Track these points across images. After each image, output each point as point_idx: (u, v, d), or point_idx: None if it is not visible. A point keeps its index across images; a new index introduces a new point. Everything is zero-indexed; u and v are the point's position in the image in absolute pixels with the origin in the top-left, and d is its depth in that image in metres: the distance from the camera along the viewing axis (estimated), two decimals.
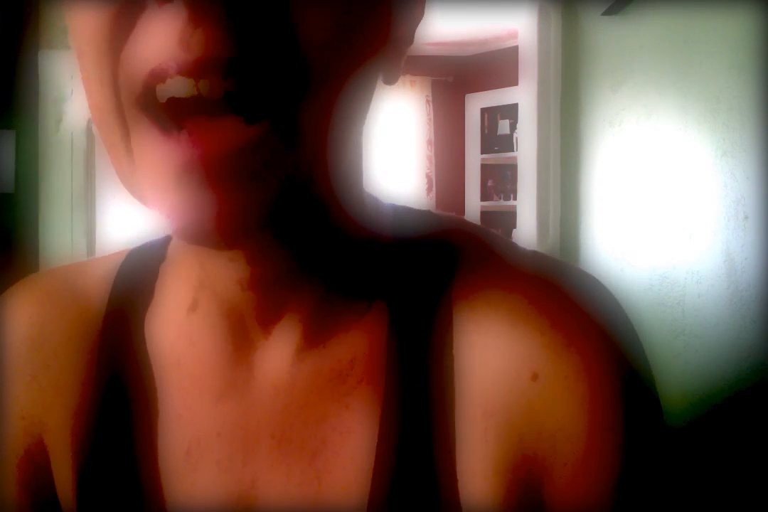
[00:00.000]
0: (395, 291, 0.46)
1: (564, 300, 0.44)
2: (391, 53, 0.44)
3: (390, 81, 0.45)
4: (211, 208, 0.36)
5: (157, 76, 0.35)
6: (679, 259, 2.04)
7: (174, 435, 0.48)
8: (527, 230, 2.37)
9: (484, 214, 5.21)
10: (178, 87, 0.35)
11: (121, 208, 2.90)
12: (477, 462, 0.43)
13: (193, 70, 0.34)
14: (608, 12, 2.15)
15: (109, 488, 0.48)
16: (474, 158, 5.35)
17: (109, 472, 0.48)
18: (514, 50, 2.66)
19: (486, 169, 5.31)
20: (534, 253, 0.48)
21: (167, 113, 0.36)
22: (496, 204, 5.26)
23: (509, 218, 4.48)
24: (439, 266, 0.47)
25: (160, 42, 0.34)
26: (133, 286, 0.52)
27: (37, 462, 0.52)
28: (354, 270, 0.47)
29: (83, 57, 0.38)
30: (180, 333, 0.49)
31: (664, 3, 2.04)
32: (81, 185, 2.90)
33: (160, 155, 0.36)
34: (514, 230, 2.65)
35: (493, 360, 0.43)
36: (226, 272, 0.45)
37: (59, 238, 2.90)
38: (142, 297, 0.51)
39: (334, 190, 0.43)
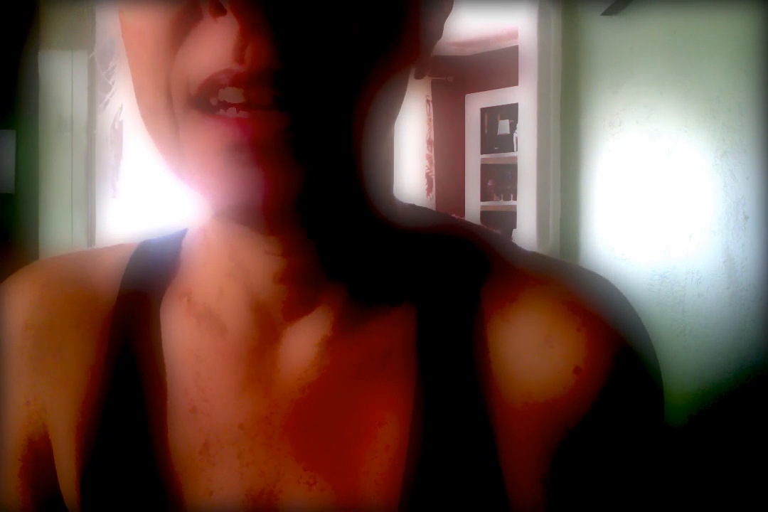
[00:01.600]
0: (423, 287, 0.47)
1: (586, 298, 0.46)
2: (422, 48, 0.45)
3: (420, 75, 0.46)
4: (257, 184, 0.38)
5: (211, 86, 0.37)
6: (679, 259, 2.04)
7: (189, 429, 0.47)
8: (527, 230, 2.37)
9: (484, 214, 5.20)
10: (230, 95, 0.37)
11: (121, 209, 2.90)
12: (519, 452, 0.44)
13: (245, 81, 0.37)
14: (608, 12, 2.15)
15: (117, 482, 0.47)
16: (474, 158, 5.35)
17: (117, 465, 0.47)
18: (514, 50, 2.66)
19: (486, 169, 5.31)
20: (535, 253, 0.51)
21: (218, 111, 0.38)
22: (496, 204, 5.25)
23: (509, 218, 4.47)
24: (463, 264, 0.48)
25: (215, 53, 0.37)
26: (147, 275, 0.51)
27: (39, 451, 0.50)
28: (383, 265, 0.48)
29: (138, 60, 0.40)
30: (200, 324, 0.48)
31: (664, 3, 2.04)
32: (81, 185, 2.90)
33: (210, 137, 0.38)
34: (514, 230, 2.65)
35: (529, 355, 0.45)
36: (261, 265, 0.45)
37: (59, 239, 2.90)
38: (156, 286, 0.51)
39: (370, 184, 0.44)
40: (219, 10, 0.36)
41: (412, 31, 0.42)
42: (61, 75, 2.82)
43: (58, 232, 2.92)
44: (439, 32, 0.47)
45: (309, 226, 0.44)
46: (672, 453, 0.48)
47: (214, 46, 0.37)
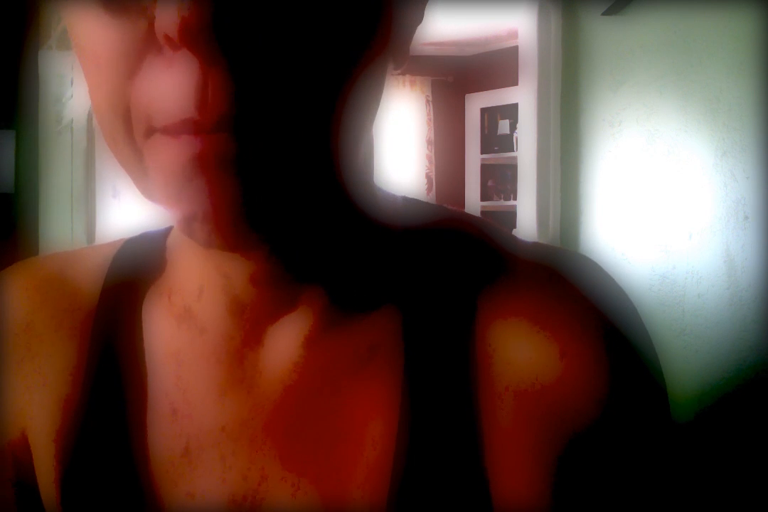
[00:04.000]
0: (409, 281, 0.46)
1: (576, 284, 0.45)
2: (399, 36, 0.43)
3: (398, 65, 0.45)
4: (220, 201, 0.36)
5: (170, 132, 0.36)
6: (679, 259, 2.04)
7: (170, 431, 0.46)
8: (527, 230, 2.37)
9: (484, 214, 5.20)
10: (190, 141, 0.36)
11: (121, 208, 2.90)
12: (509, 441, 0.43)
13: (208, 129, 0.35)
14: (608, 12, 2.15)
15: (97, 485, 0.46)
16: (474, 158, 5.35)
17: (96, 468, 0.46)
18: (514, 50, 2.66)
19: (486, 169, 5.32)
20: (535, 243, 0.50)
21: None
22: (496, 204, 5.26)
23: (509, 218, 4.48)
24: (450, 256, 0.47)
25: (175, 96, 0.35)
26: (129, 274, 0.50)
27: (17, 455, 0.50)
28: (366, 261, 0.46)
29: (95, 85, 0.39)
30: (181, 325, 0.47)
31: (664, 3, 2.04)
32: (81, 185, 2.90)
33: (169, 155, 0.37)
34: (514, 230, 2.65)
35: (518, 344, 0.44)
36: (237, 267, 0.44)
37: (59, 238, 2.90)
38: (139, 285, 0.50)
39: (350, 182, 0.43)
40: (173, 45, 0.34)
41: (385, 29, 0.40)
42: (61, 75, 2.82)
43: (58, 232, 2.92)
44: (419, 17, 0.45)
45: (283, 232, 0.42)
46: (676, 450, 0.47)
47: (173, 86, 0.35)
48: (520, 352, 0.43)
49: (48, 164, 2.90)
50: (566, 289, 0.45)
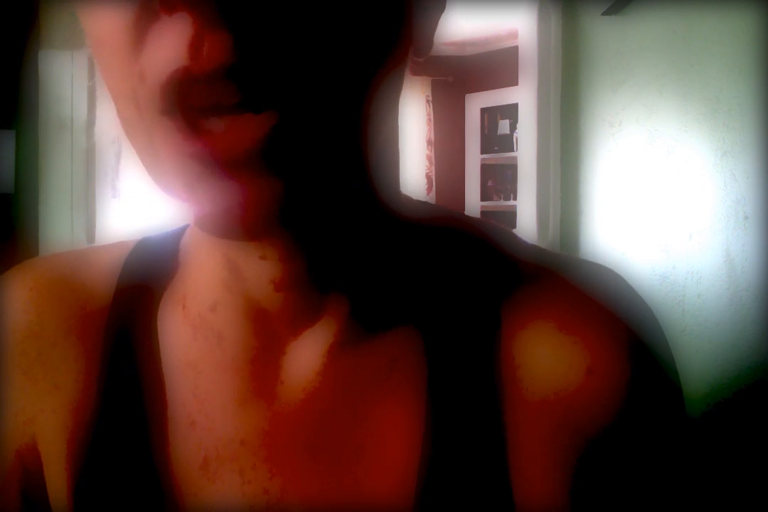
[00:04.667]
0: (430, 289, 0.45)
1: (599, 294, 0.45)
2: (422, 22, 0.41)
3: (422, 53, 0.42)
4: (233, 198, 0.35)
5: (172, 88, 0.34)
6: (679, 259, 2.04)
7: (187, 443, 0.44)
8: (527, 230, 2.37)
9: (484, 214, 5.20)
10: (195, 97, 0.34)
11: (121, 208, 2.90)
12: (531, 450, 0.42)
13: (207, 82, 0.34)
14: (608, 12, 2.15)
15: (113, 496, 0.44)
16: (474, 158, 5.35)
17: (113, 479, 0.44)
18: (514, 50, 2.66)
19: (486, 169, 5.31)
20: (541, 248, 0.49)
21: (187, 118, 0.35)
22: (496, 204, 5.25)
23: (509, 218, 4.47)
24: (469, 264, 0.46)
25: (170, 52, 0.34)
26: (143, 278, 0.48)
27: (27, 464, 0.48)
28: (387, 269, 0.45)
29: (106, 70, 0.38)
30: (197, 332, 0.46)
31: (664, 3, 2.04)
32: (81, 185, 2.90)
33: (182, 152, 0.35)
34: (514, 230, 2.65)
35: (542, 356, 0.43)
36: (257, 271, 0.43)
37: (59, 239, 2.90)
38: (153, 289, 0.48)
39: (372, 186, 0.42)
40: (170, 6, 0.33)
41: (401, 6, 0.38)
42: (61, 75, 2.82)
43: (58, 232, 2.92)
44: (442, 4, 0.44)
45: (307, 229, 0.41)
46: (693, 456, 0.48)
47: (170, 46, 0.34)
48: (545, 363, 0.43)
49: (48, 164, 2.90)
50: (590, 300, 0.44)
